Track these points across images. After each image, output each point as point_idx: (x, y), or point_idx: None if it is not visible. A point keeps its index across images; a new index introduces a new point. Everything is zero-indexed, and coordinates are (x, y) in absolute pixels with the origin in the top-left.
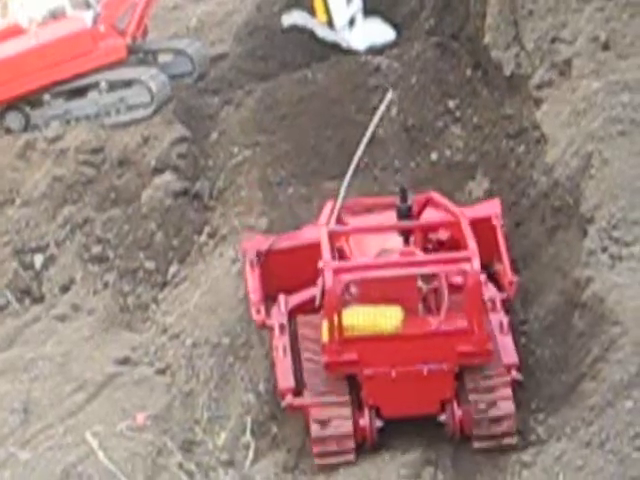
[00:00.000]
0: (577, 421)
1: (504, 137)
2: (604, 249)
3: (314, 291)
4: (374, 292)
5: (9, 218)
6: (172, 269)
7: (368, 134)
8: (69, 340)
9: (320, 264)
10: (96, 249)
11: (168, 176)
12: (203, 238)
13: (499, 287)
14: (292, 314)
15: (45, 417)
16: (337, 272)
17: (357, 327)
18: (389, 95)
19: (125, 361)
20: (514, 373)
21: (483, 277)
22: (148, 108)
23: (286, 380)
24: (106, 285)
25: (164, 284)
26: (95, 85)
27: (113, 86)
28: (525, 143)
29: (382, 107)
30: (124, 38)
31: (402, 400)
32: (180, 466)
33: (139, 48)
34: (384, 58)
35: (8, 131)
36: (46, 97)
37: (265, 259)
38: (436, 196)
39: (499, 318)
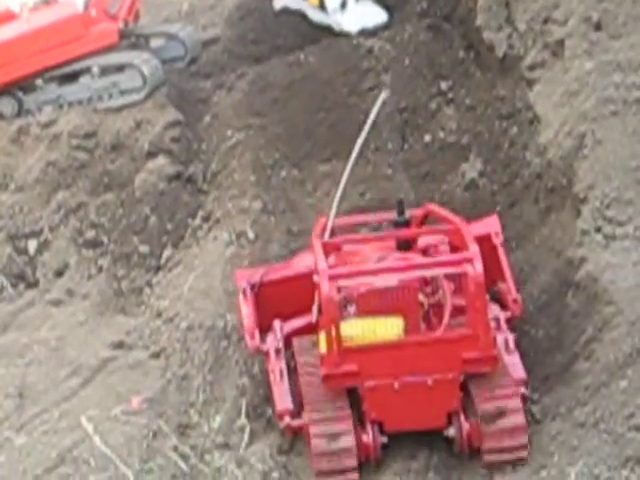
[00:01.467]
0: (572, 401)
1: (497, 118)
2: (598, 229)
3: (309, 318)
4: (374, 301)
5: (2, 203)
6: (166, 253)
7: (362, 136)
8: (64, 325)
9: (315, 278)
10: (90, 234)
11: (161, 160)
12: (197, 222)
13: (503, 306)
14: (288, 340)
15: (40, 402)
16: (333, 278)
17: (356, 336)
18: (383, 95)
19: (120, 345)
20: (522, 389)
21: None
22: (141, 92)
23: (283, 402)
24: (100, 269)
25: (158, 268)
26: (87, 70)
27: (105, 71)
28: (518, 124)
29: (375, 108)
30: (116, 23)
31: (406, 413)
32: (175, 449)
33: (131, 33)
34: (376, 40)
35: (1, 117)
36: (38, 82)
37: (258, 290)
38: (434, 207)
39: (504, 337)
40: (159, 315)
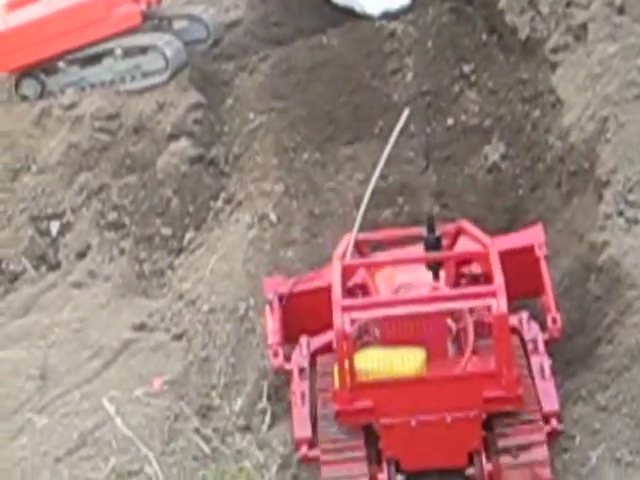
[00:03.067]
0: (594, 385)
1: (519, 101)
2: (620, 213)
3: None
4: (394, 332)
5: (25, 185)
6: (188, 235)
7: (385, 153)
8: (85, 307)
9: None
10: (112, 216)
11: (184, 142)
12: (219, 204)
13: (541, 325)
14: (314, 357)
15: (62, 383)
16: (346, 310)
17: (372, 371)
18: (406, 113)
19: (141, 327)
20: (554, 423)
21: (526, 315)
22: (163, 74)
23: (302, 430)
24: (122, 252)
25: (180, 250)
26: (110, 52)
27: (128, 53)
28: (541, 107)
29: (399, 125)
30: (138, 5)
31: (424, 452)
32: (197, 431)
33: (154, 14)
34: (399, 23)
35: (24, 98)
36: (61, 64)
37: (287, 301)
38: (467, 225)
39: (540, 361)
40: (181, 297)
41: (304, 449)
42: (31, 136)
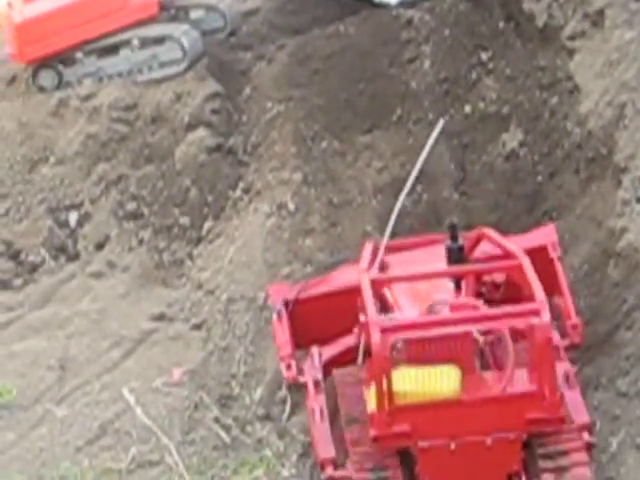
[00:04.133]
0: (613, 371)
1: (537, 88)
2: (638, 199)
3: (350, 340)
4: (424, 350)
5: (43, 176)
6: (207, 225)
7: (418, 165)
8: (105, 297)
9: (362, 318)
10: (131, 206)
11: (202, 132)
12: (237, 193)
13: (561, 332)
14: (327, 368)
15: (81, 374)
16: (385, 332)
17: (410, 393)
18: (440, 123)
19: (161, 317)
20: (586, 436)
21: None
22: (181, 64)
23: (326, 449)
24: (141, 242)
25: (199, 240)
26: (127, 42)
27: (145, 43)
28: (558, 94)
29: (434, 135)
30: None
31: (463, 475)
32: (217, 420)
33: (170, 4)
34: (416, 11)
35: (41, 89)
36: (78, 55)
37: (294, 308)
38: (489, 232)
39: (564, 368)
40: (200, 287)
41: (330, 470)
42: (49, 127)
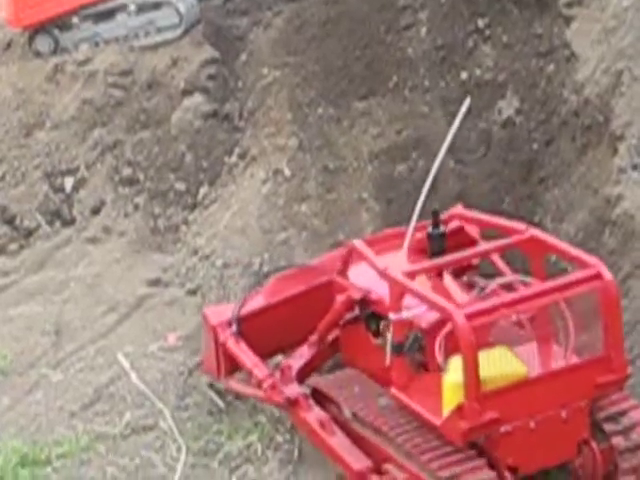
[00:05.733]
0: None
1: (534, 56)
2: (634, 166)
3: (310, 349)
4: (484, 335)
5: (39, 141)
6: (202, 190)
7: (443, 151)
8: (100, 262)
9: (392, 316)
10: (126, 171)
11: (198, 98)
12: (233, 159)
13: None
14: (300, 379)
15: (77, 339)
16: (470, 318)
17: (489, 379)
18: (467, 102)
19: (156, 282)
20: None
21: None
22: (177, 30)
23: (359, 459)
24: (137, 207)
25: (194, 205)
26: (123, 7)
27: (141, 8)
28: (555, 61)
29: (459, 116)
30: None
31: (541, 452)
32: (211, 386)
33: None
34: None
35: (37, 54)
36: (75, 20)
37: (243, 326)
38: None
39: None
40: (195, 252)
41: (374, 478)
42: (45, 92)
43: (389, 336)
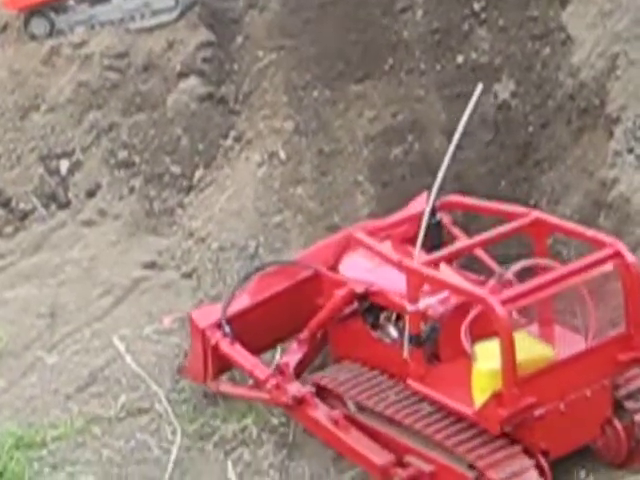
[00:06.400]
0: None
1: (530, 39)
2: (630, 150)
3: (299, 347)
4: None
5: (34, 124)
6: (198, 173)
7: (457, 137)
8: (95, 245)
9: (410, 307)
10: (122, 154)
11: (193, 80)
12: (229, 142)
13: None
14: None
15: (72, 321)
16: (506, 303)
17: (520, 364)
18: (480, 87)
19: (151, 265)
20: None
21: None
22: (173, 12)
23: (380, 454)
24: (132, 190)
25: (190, 188)
26: None
27: None
28: (551, 45)
29: (472, 101)
30: None
31: (570, 434)
32: None
33: None
34: None
35: (33, 37)
36: (70, 2)
37: (233, 325)
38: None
39: None
40: (191, 235)
41: (400, 472)
42: (40, 75)
43: (407, 325)
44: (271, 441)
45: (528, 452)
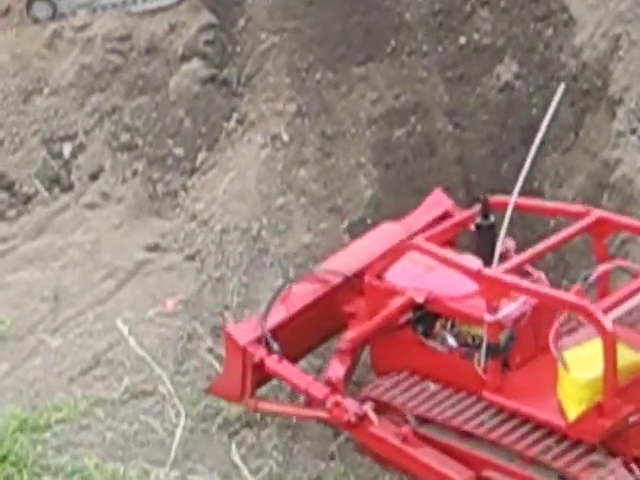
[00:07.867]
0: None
1: (532, 20)
2: (633, 130)
3: (341, 360)
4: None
5: (37, 107)
6: (201, 156)
7: (540, 134)
8: (99, 228)
9: (489, 318)
10: (125, 137)
11: (196, 63)
12: (231, 124)
13: None
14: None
15: (75, 304)
16: (607, 311)
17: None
18: (562, 88)
19: (155, 248)
20: None
21: None
22: None
23: (460, 470)
24: (135, 173)
25: (193, 171)
26: None
27: None
28: (553, 25)
29: (555, 101)
30: None
31: None
32: (210, 351)
33: None
34: None
35: (35, 20)
36: None
37: (277, 338)
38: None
39: None
40: (194, 218)
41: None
42: (43, 58)
43: (485, 336)
44: (274, 423)
45: (626, 464)
